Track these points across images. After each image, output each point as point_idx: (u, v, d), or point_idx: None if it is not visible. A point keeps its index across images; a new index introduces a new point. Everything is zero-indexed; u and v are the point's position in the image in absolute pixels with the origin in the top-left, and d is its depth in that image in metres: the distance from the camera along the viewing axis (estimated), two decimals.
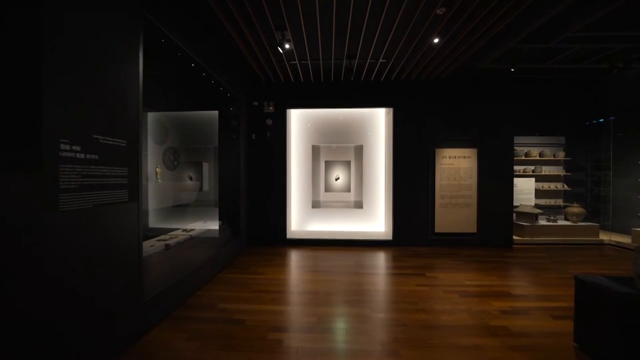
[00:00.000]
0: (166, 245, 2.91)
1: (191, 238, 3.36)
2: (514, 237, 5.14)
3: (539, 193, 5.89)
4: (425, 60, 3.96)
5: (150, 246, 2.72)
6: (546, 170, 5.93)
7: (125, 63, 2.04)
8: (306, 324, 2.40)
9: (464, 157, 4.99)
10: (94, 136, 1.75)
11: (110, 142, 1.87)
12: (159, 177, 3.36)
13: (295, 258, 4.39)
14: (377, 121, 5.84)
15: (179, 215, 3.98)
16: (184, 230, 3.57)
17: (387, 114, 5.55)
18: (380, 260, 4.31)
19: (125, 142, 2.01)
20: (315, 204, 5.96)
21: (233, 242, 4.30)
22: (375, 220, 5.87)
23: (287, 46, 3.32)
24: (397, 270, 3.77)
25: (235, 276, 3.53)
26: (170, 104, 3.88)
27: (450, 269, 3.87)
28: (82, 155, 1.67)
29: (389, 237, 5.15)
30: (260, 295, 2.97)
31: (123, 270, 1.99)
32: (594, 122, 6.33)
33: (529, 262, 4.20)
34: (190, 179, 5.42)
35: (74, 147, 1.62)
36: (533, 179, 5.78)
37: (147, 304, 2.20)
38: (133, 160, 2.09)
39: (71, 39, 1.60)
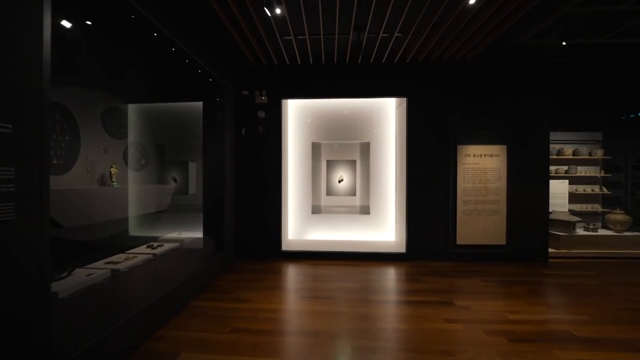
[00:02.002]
0: (113, 271, 2.17)
1: (154, 258, 2.61)
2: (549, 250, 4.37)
3: (572, 197, 5.12)
4: (452, 33, 3.20)
5: (87, 275, 1.97)
6: (581, 170, 5.16)
7: (15, 5, 1.30)
8: None
9: (491, 156, 4.22)
10: None
11: None
12: (114, 179, 2.62)
13: (290, 277, 3.64)
14: (387, 114, 5.09)
15: (147, 226, 3.24)
16: (149, 246, 2.82)
17: (398, 105, 4.80)
18: (394, 280, 3.56)
19: (11, 126, 1.27)
20: (316, 210, 5.22)
21: (216, 257, 3.55)
22: (384, 228, 5.11)
23: (277, 11, 2.58)
24: (417, 296, 3.01)
25: (213, 305, 2.78)
26: (130, 88, 3.14)
27: (483, 293, 3.10)
28: None
29: (402, 249, 4.39)
30: (241, 337, 2.22)
31: (7, 334, 1.24)
32: (632, 116, 5.56)
33: (576, 283, 3.43)
34: (175, 180, 4.75)
35: None
36: (566, 181, 5.01)
37: None
38: (29, 155, 1.34)
39: None
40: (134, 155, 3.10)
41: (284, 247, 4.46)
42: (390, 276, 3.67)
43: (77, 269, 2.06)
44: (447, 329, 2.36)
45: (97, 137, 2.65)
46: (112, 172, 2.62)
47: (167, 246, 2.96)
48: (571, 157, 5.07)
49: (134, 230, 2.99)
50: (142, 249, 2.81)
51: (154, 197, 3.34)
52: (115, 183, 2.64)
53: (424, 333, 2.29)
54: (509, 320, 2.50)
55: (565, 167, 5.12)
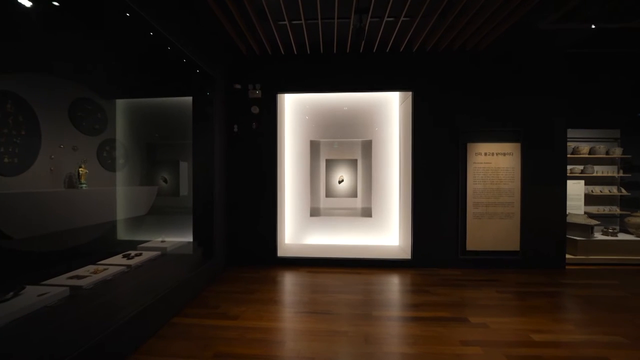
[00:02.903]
0: (74, 288, 1.85)
1: (129, 270, 2.30)
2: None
3: (588, 199, 4.79)
4: (465, 17, 2.88)
5: (40, 295, 1.65)
6: (598, 170, 4.83)
7: None
8: None
9: (504, 154, 3.90)
10: None
11: None
12: (83, 180, 2.30)
13: (286, 288, 3.32)
14: (390, 110, 4.77)
15: (126, 232, 2.93)
16: (125, 255, 2.51)
17: (402, 101, 4.48)
18: (399, 291, 3.23)
19: None
20: (314, 212, 4.90)
21: (204, 266, 3.24)
22: (387, 232, 4.79)
23: None
24: (427, 311, 2.69)
25: (196, 322, 2.46)
26: (104, 78, 2.82)
27: (499, 307, 2.78)
28: None
29: (407, 255, 4.07)
30: None
31: None
32: None
33: (600, 294, 3.11)
34: (165, 181, 4.49)
35: None
36: (582, 182, 4.68)
37: None
38: None
39: None
40: (110, 154, 2.78)
41: (280, 253, 4.14)
42: (395, 286, 3.34)
43: (28, 287, 1.74)
44: (463, 353, 2.04)
45: (64, 133, 2.34)
46: (80, 172, 2.30)
47: (146, 255, 2.64)
48: (587, 155, 4.74)
49: (108, 239, 2.67)
50: (117, 259, 2.49)
51: (135, 200, 3.02)
52: (84, 185, 2.32)
53: (437, 359, 1.97)
54: (534, 343, 2.17)
55: (581, 167, 4.79)
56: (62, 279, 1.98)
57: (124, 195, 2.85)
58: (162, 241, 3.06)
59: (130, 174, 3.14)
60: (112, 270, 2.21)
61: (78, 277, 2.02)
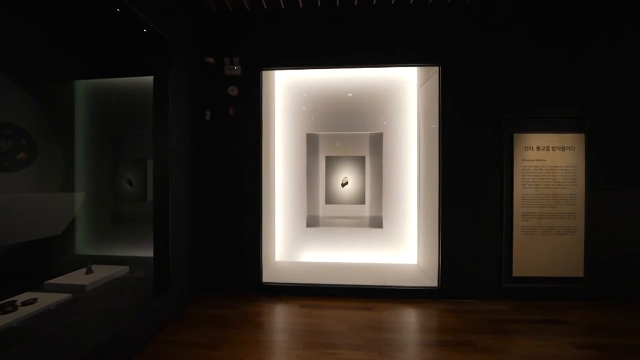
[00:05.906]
0: None
1: None
2: None
3: None
4: None
5: None
6: None
7: None
8: None
9: (563, 149, 2.93)
10: None
11: None
12: None
13: (269, 337, 2.34)
14: (406, 95, 3.81)
15: (21, 263, 1.98)
16: (5, 305, 1.56)
17: (422, 82, 3.52)
18: (430, 342, 2.25)
19: None
20: (312, 222, 3.95)
21: (152, 304, 2.28)
22: (402, 246, 3.83)
23: None
24: None
25: None
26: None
27: None
28: None
29: (431, 280, 3.11)
30: None
31: None
32: None
33: None
34: (130, 183, 3.67)
35: None
36: None
37: None
38: None
39: None
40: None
41: (267, 277, 3.18)
42: (422, 334, 2.37)
43: None
44: None
45: None
46: None
47: (44, 301, 1.68)
48: None
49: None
50: None
51: (36, 215, 2.07)
52: None
53: None
54: None
55: None
56: None
57: (11, 207, 1.90)
58: (88, 271, 2.11)
59: (45, 174, 2.19)
60: None
61: None
